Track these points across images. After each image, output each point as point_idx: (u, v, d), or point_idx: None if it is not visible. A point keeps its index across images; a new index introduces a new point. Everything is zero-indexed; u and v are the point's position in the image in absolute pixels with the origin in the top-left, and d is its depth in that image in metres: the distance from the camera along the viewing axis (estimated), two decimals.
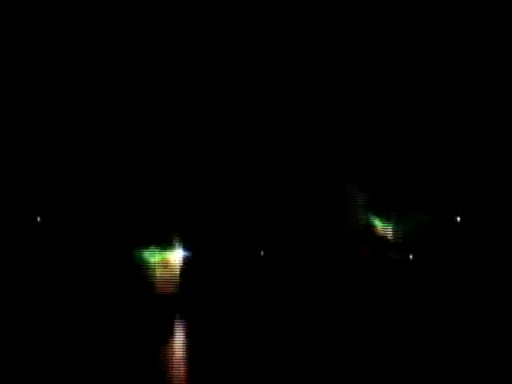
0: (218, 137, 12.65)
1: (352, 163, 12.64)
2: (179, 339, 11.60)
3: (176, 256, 12.53)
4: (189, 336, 11.71)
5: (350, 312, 12.19)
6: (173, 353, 10.80)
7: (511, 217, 12.31)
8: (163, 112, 12.71)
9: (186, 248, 12.79)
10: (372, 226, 12.57)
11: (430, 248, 12.50)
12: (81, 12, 12.47)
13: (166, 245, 12.64)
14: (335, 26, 12.27)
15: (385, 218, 12.55)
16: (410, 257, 12.47)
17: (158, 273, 12.44)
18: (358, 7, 12.41)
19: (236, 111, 12.51)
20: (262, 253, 12.70)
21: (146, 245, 12.55)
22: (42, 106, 12.57)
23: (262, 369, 9.73)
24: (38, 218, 12.56)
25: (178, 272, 12.39)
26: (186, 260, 12.73)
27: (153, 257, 12.31)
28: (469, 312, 11.82)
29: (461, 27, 12.19)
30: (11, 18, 12.45)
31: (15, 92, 12.55)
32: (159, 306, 12.27)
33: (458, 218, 12.47)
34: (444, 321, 11.73)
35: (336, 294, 12.47)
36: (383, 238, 12.66)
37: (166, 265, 12.45)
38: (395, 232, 12.52)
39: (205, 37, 12.47)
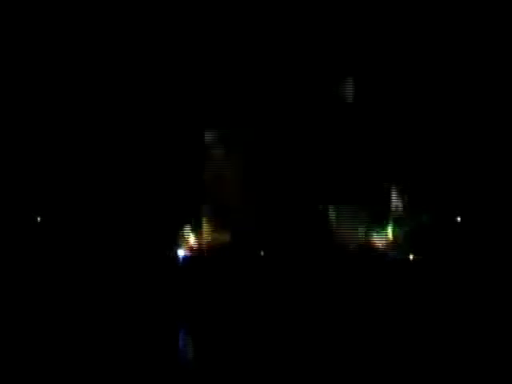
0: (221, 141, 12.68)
1: (352, 164, 12.66)
2: (180, 339, 11.62)
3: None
4: (189, 337, 11.73)
5: (350, 312, 12.20)
6: (174, 352, 10.82)
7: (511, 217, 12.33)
8: (163, 112, 12.72)
9: (184, 249, 12.81)
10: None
11: (430, 248, 12.52)
12: (81, 12, 12.49)
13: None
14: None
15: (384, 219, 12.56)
16: (411, 257, 12.48)
17: None
18: (357, 8, 12.43)
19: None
20: (261, 253, 12.71)
21: (145, 243, 12.56)
22: (42, 106, 12.59)
23: (261, 368, 9.75)
24: (38, 219, 12.57)
25: None
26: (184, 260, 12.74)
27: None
28: (469, 312, 11.84)
29: (461, 28, 12.21)
30: (11, 18, 12.47)
31: (15, 92, 12.57)
32: (160, 306, 12.29)
33: (459, 218, 12.49)
34: (444, 321, 11.74)
35: (336, 294, 12.48)
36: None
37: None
38: (396, 233, 12.53)
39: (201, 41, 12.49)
